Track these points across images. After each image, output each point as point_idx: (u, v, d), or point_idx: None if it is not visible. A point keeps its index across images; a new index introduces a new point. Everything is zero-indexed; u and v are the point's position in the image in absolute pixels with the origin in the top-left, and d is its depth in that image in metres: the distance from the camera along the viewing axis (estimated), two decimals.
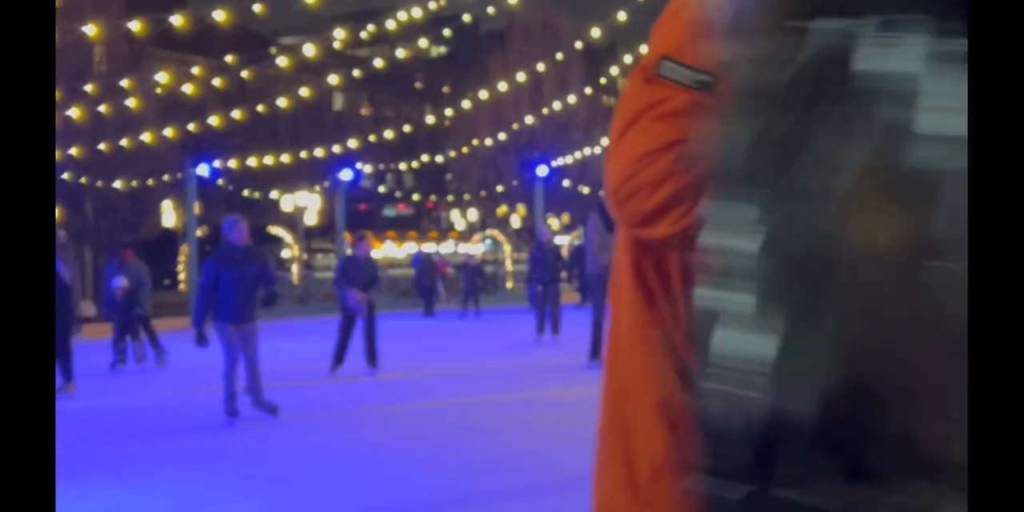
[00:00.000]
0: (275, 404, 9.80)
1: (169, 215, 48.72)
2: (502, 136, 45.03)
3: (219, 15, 20.44)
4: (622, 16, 28.41)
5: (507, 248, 59.86)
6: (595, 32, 31.38)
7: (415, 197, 68.55)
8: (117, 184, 35.86)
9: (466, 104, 36.17)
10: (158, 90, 32.60)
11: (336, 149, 35.36)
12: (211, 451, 8.31)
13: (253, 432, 9.12)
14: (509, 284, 36.02)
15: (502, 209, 56.17)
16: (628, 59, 37.23)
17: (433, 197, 66.96)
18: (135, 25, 21.73)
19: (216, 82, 28.65)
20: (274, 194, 47.51)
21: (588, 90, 47.55)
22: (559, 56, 44.10)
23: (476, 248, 65.99)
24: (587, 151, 47.69)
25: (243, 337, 9.79)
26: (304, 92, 30.17)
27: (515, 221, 55.25)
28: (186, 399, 11.63)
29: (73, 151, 27.94)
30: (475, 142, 46.95)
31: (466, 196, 58.81)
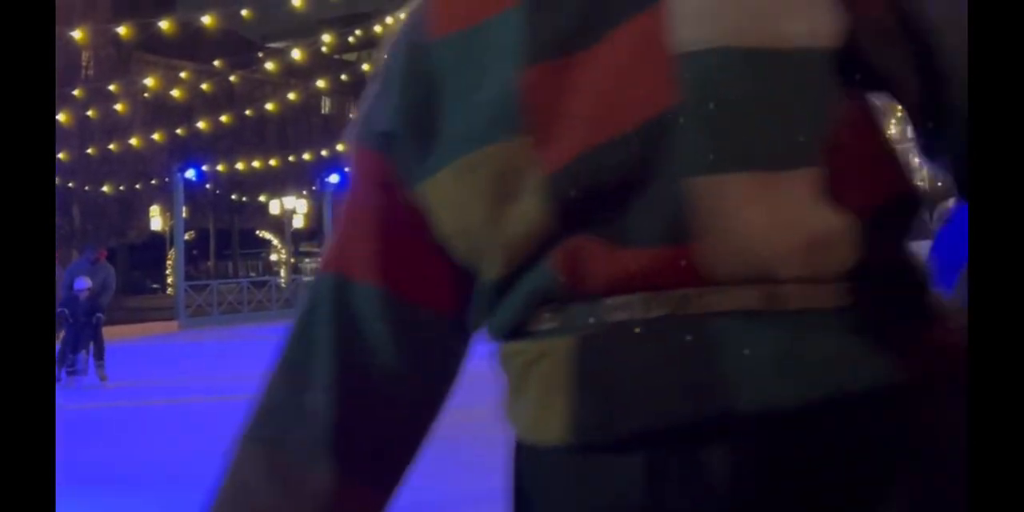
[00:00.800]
0: None
1: (156, 219, 48.72)
2: None
3: (207, 20, 20.48)
4: None
5: None
6: None
7: None
8: (105, 188, 35.84)
9: None
10: (145, 94, 32.64)
11: (324, 153, 35.40)
12: (202, 455, 8.29)
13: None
14: None
15: None
16: None
17: None
18: (122, 29, 21.76)
19: (204, 86, 28.69)
20: (262, 198, 47.51)
21: None
22: None
23: None
24: None
25: None
26: (292, 96, 30.22)
27: None
28: (161, 408, 11.65)
29: (61, 155, 27.94)
30: None
31: None
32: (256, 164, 34.49)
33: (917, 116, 1.00)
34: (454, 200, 1.00)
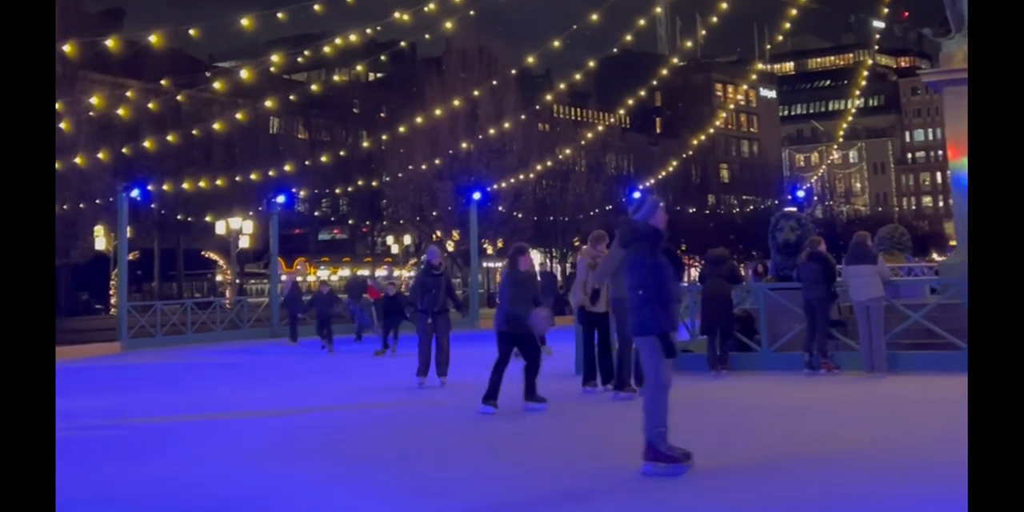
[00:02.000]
0: None
1: (100, 239, 48.08)
2: (437, 161, 45.11)
3: (153, 38, 20.30)
4: (557, 43, 28.68)
5: None
6: (531, 59, 31.61)
7: (350, 221, 68.32)
8: None
9: (402, 129, 36.19)
10: (91, 113, 32.28)
11: (271, 173, 35.18)
12: (137, 481, 8.16)
13: (182, 461, 8.94)
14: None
15: (437, 234, 56.17)
16: (563, 86, 37.53)
17: (368, 222, 66.78)
18: (68, 47, 21.48)
19: (150, 105, 28.43)
20: (208, 218, 47.08)
21: (523, 116, 47.87)
22: (495, 82, 44.32)
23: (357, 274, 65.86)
24: (522, 176, 47.89)
25: None
26: (239, 116, 30.00)
27: (450, 246, 55.26)
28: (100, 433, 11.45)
29: None
30: (411, 167, 46.96)
31: (401, 221, 58.70)
32: (202, 184, 34.17)
33: None
34: None
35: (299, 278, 30.24)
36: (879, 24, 72.77)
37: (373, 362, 19.87)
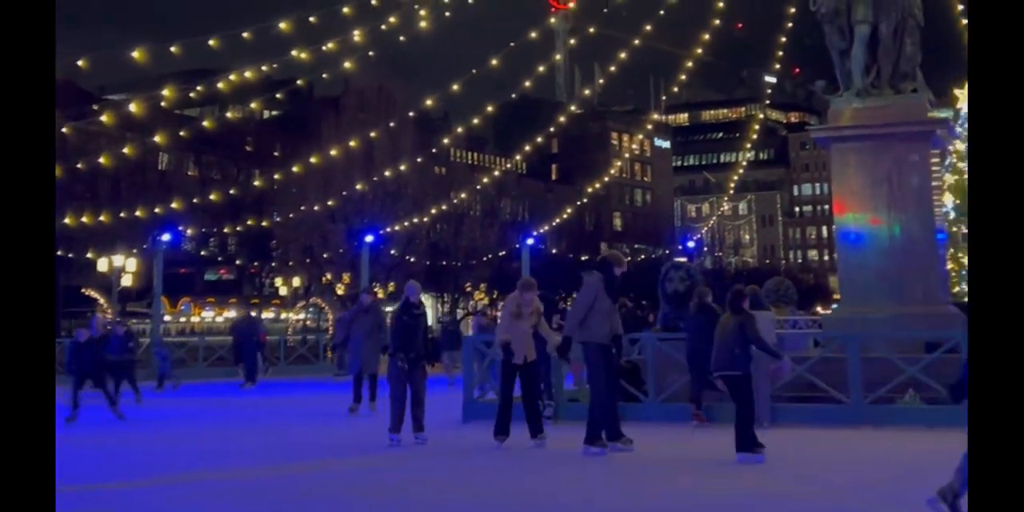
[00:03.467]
0: None
1: None
2: (331, 202, 44.68)
3: None
4: (456, 87, 28.70)
5: (330, 316, 59.20)
6: (429, 101, 31.59)
7: (238, 262, 67.15)
8: None
9: (296, 168, 35.75)
10: None
11: (158, 210, 34.36)
12: None
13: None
14: (329, 354, 35.32)
15: (327, 276, 55.55)
16: (460, 129, 37.54)
17: (256, 263, 65.73)
18: None
19: None
20: (89, 254, 45.81)
21: (420, 159, 47.78)
22: (392, 123, 44.20)
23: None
24: (416, 220, 47.65)
25: None
26: (127, 150, 29.28)
27: (340, 289, 54.67)
28: None
29: None
30: (303, 207, 46.44)
31: (291, 262, 57.93)
32: (86, 219, 33.24)
33: None
34: None
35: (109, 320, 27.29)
36: (771, 79, 74.77)
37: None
